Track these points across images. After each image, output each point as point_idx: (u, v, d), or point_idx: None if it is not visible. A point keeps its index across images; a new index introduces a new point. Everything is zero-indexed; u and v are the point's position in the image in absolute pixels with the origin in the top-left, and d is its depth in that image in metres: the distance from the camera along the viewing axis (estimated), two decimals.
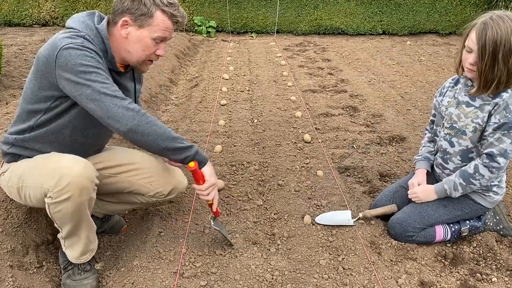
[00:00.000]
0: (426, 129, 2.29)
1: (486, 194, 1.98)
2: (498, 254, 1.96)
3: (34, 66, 1.58)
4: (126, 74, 1.77)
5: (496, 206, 2.08)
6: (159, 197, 1.92)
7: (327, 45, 6.80)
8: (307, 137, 3.21)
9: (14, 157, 1.70)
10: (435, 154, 2.14)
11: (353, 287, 1.75)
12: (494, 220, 2.07)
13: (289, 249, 1.97)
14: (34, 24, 7.94)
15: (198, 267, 1.82)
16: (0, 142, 1.76)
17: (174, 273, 1.78)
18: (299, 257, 1.92)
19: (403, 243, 2.02)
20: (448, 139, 1.99)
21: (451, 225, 2.03)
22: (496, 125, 1.80)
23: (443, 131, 2.03)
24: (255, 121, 3.61)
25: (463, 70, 1.88)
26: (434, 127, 2.16)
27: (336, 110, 3.91)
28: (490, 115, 1.82)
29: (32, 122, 1.64)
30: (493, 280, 1.81)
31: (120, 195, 1.93)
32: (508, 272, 1.86)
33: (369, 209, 2.29)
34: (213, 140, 3.20)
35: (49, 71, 1.52)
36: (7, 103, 3.79)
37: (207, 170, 1.74)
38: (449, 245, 2.04)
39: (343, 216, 2.16)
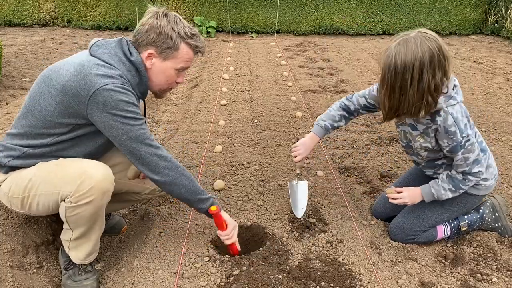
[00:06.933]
0: (346, 98, 2.16)
1: (477, 184, 1.94)
2: (499, 255, 1.95)
3: (55, 91, 1.52)
4: None
5: (496, 203, 2.07)
6: (155, 193, 2.00)
7: (327, 45, 6.79)
8: None
9: (12, 168, 1.62)
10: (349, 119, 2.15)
11: (353, 287, 1.75)
12: (493, 216, 2.06)
13: (289, 250, 1.97)
14: (34, 24, 7.94)
15: (198, 268, 1.82)
16: None
17: (174, 273, 1.78)
18: (299, 257, 1.91)
19: (404, 244, 2.02)
20: (410, 153, 2.04)
21: (450, 221, 2.03)
22: (448, 148, 1.79)
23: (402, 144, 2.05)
24: (255, 121, 3.60)
25: None
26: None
27: None
28: (437, 139, 1.81)
29: (46, 141, 1.59)
30: (493, 280, 1.81)
31: (116, 195, 1.93)
32: (509, 272, 1.86)
33: (370, 209, 2.29)
34: (213, 140, 3.20)
35: (79, 103, 1.50)
36: (7, 103, 3.79)
37: (225, 214, 1.82)
38: (449, 245, 2.04)
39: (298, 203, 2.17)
